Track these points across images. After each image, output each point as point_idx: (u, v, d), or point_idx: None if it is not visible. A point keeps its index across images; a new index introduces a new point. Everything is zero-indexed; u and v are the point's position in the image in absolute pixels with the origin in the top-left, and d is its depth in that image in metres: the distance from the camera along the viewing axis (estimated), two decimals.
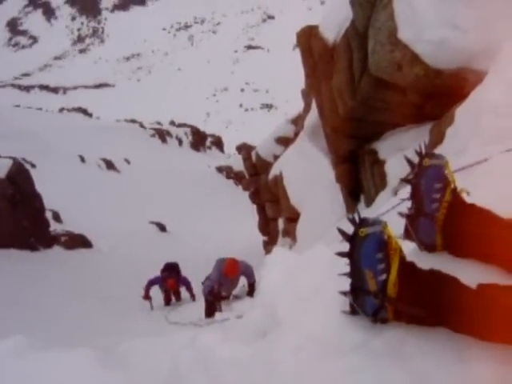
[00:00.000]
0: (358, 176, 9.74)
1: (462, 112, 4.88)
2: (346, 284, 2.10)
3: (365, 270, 1.96)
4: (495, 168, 3.31)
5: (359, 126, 8.85)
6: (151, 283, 11.54)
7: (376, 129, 8.62)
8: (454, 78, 6.29)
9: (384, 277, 1.94)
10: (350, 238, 1.99)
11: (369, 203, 8.88)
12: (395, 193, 6.59)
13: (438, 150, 5.37)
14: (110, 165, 34.70)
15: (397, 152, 7.50)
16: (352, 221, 2.01)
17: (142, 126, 54.69)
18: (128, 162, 37.28)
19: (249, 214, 22.25)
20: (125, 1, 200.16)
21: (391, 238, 1.98)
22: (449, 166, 2.27)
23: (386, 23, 7.03)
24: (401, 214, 2.45)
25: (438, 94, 6.77)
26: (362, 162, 9.32)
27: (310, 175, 12.87)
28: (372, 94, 7.74)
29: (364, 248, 1.95)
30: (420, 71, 6.46)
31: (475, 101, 4.56)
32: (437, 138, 5.76)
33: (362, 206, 9.49)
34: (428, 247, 2.35)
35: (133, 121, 59.37)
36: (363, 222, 1.98)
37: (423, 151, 2.30)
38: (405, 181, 2.42)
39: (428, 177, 2.24)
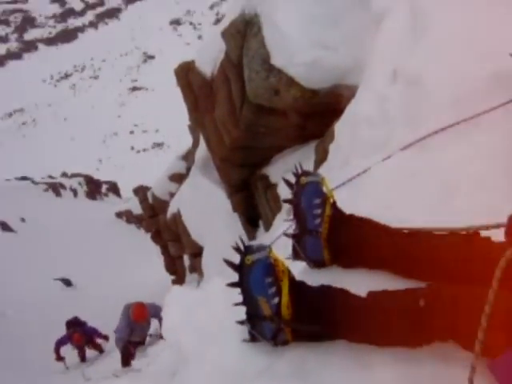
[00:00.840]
0: (253, 202, 9.83)
1: (340, 127, 5.03)
2: (243, 313, 2.08)
3: (257, 296, 1.95)
4: (375, 177, 3.42)
5: (247, 153, 8.96)
6: (59, 343, 11.46)
7: (264, 154, 8.76)
8: (330, 95, 6.52)
9: (277, 300, 1.94)
10: (238, 267, 1.97)
11: (267, 228, 8.96)
12: (289, 214, 6.66)
13: (323, 167, 5.51)
14: (4, 226, 33.09)
15: (287, 174, 7.60)
16: (237, 249, 1.99)
17: (33, 182, 52.85)
18: (23, 220, 35.75)
19: (154, 256, 21.93)
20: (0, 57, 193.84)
21: (278, 260, 1.98)
22: (325, 182, 2.30)
23: (258, 51, 7.19)
24: (286, 235, 2.46)
25: (317, 113, 6.98)
26: (255, 189, 9.43)
27: (207, 208, 12.88)
28: (254, 120, 7.86)
29: (252, 275, 1.94)
30: (297, 93, 6.64)
31: (350, 115, 4.72)
32: (322, 156, 5.91)
33: (261, 231, 9.57)
34: (317, 263, 2.36)
35: (24, 178, 57.18)
36: (248, 250, 1.97)
37: (299, 171, 2.32)
38: (286, 202, 2.41)
39: (307, 194, 2.26)
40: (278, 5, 6.78)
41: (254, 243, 2.10)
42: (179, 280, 17.83)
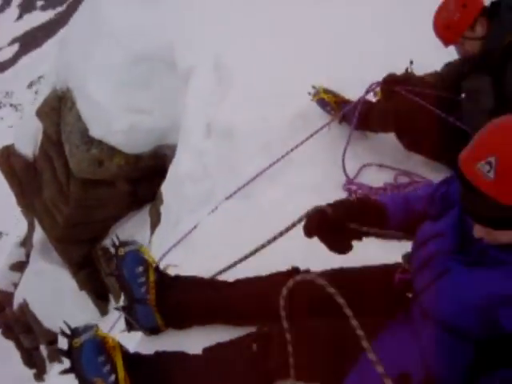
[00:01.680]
0: (100, 277, 9.49)
1: (166, 187, 5.03)
2: None
3: (92, 378, 1.84)
4: (204, 231, 3.44)
5: (83, 229, 8.66)
6: None
7: (100, 226, 8.51)
8: (154, 157, 6.54)
9: (113, 377, 1.86)
10: (67, 352, 1.86)
11: (117, 300, 8.67)
12: None
13: (158, 229, 5.47)
14: None
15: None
16: (63, 334, 1.89)
17: None
18: None
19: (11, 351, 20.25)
20: None
21: (106, 337, 1.90)
22: (143, 249, 2.27)
23: (75, 125, 7.05)
24: (117, 309, 2.38)
25: (146, 177, 6.95)
26: (98, 263, 9.11)
27: (53, 292, 12.18)
28: (83, 195, 7.63)
29: (84, 357, 1.83)
30: (121, 161, 6.58)
31: (173, 174, 4.74)
32: (156, 218, 5.86)
33: (112, 304, 9.25)
34: (153, 330, 2.30)
35: None
36: (75, 333, 1.88)
37: (117, 242, 2.28)
38: (110, 275, 2.34)
39: (128, 264, 2.21)
40: (88, 77, 6.71)
41: (80, 325, 1.97)
42: (40, 373, 16.58)
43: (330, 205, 1.98)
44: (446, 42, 3.25)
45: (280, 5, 5.67)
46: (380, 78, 3.72)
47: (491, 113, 3.02)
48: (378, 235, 2.02)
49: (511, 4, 3.16)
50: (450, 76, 3.56)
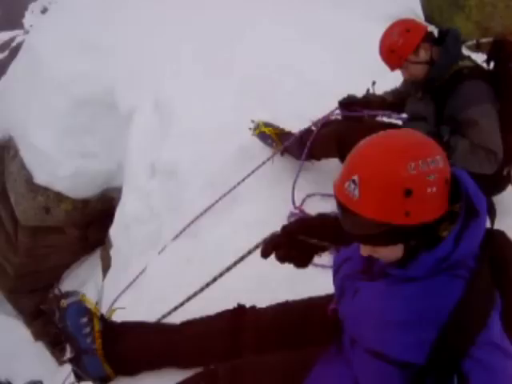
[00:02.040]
0: (56, 325, 9.25)
1: (114, 230, 4.99)
2: None
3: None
4: (152, 273, 3.42)
5: (34, 278, 8.46)
6: None
7: (53, 274, 8.34)
8: (102, 201, 6.51)
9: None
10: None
11: None
12: None
13: (109, 273, 5.39)
14: None
15: (80, 288, 7.33)
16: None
17: None
18: None
19: None
20: None
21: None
22: (86, 298, 2.25)
23: (20, 173, 6.96)
24: (64, 361, 2.34)
25: (95, 220, 6.88)
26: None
27: (8, 345, 11.82)
28: (32, 244, 7.50)
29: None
30: (68, 207, 6.52)
31: (120, 216, 4.72)
32: (107, 262, 5.79)
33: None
34: (102, 380, 2.27)
35: None
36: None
37: (58, 294, 2.25)
38: (55, 328, 2.31)
39: (71, 316, 2.19)
40: (29, 124, 6.64)
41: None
42: None
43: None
44: (391, 65, 3.36)
45: (218, 42, 5.77)
46: (318, 109, 3.82)
47: (429, 135, 3.13)
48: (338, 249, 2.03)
49: (457, 35, 3.31)
50: (401, 94, 3.69)
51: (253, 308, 2.23)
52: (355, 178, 1.42)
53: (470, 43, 3.52)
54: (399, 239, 1.48)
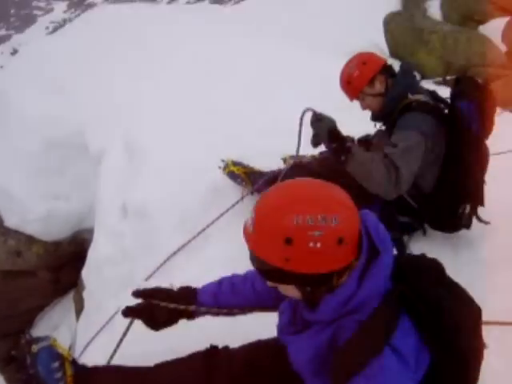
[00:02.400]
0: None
1: (86, 273, 4.94)
2: None
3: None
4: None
5: (7, 323, 8.22)
6: None
7: (25, 318, 8.17)
8: (74, 243, 6.46)
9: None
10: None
11: None
12: None
13: (82, 316, 5.32)
14: None
15: (53, 331, 7.22)
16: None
17: None
18: None
19: None
20: None
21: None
22: (56, 343, 2.23)
23: None
24: None
25: (67, 263, 6.80)
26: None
27: None
28: (4, 288, 7.35)
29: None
30: (39, 250, 6.44)
31: (92, 258, 4.68)
32: (80, 305, 5.71)
33: None
34: None
35: None
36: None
37: (28, 340, 2.23)
38: (27, 374, 2.28)
39: (42, 361, 2.17)
40: None
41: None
42: None
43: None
44: (349, 96, 3.51)
45: (186, 80, 5.85)
46: (288, 147, 3.88)
47: None
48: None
49: (408, 69, 3.43)
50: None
51: (226, 349, 2.24)
52: (254, 216, 1.55)
53: (437, 79, 3.64)
54: (286, 281, 1.58)
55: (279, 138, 3.90)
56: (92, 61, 6.98)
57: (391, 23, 10.08)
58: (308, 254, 1.47)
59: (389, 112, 3.41)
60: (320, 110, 3.25)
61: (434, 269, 1.74)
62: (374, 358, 1.45)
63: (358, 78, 3.38)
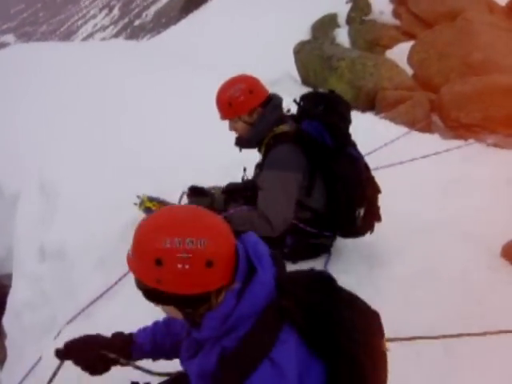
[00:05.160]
0: None
1: (7, 319, 4.75)
2: None
3: None
4: (49, 361, 3.32)
5: None
6: None
7: None
8: None
9: None
10: None
11: None
12: None
13: (5, 366, 5.13)
14: None
15: None
16: None
17: None
18: None
19: None
20: None
21: None
22: None
23: None
24: None
25: None
26: None
27: None
28: None
29: None
30: None
31: (12, 304, 4.52)
32: (2, 354, 5.51)
33: None
34: None
35: None
36: None
37: None
38: None
39: None
40: None
41: None
42: None
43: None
44: (223, 116, 3.53)
45: (97, 118, 5.84)
46: (203, 179, 3.95)
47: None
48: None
49: (276, 103, 3.54)
50: None
51: None
52: (133, 238, 1.64)
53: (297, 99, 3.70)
54: (163, 301, 1.68)
55: (192, 171, 3.97)
56: (7, 99, 6.87)
57: (301, 52, 10.39)
58: (178, 276, 1.56)
59: (253, 143, 3.55)
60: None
61: (319, 280, 1.83)
62: (253, 372, 1.52)
63: (241, 105, 3.41)
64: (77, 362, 2.21)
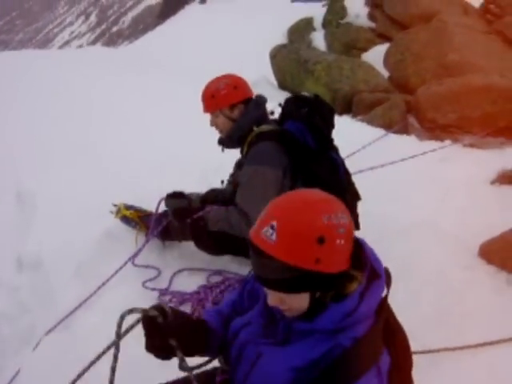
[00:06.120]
0: None
1: None
2: None
3: None
4: (29, 373, 3.29)
5: None
6: None
7: None
8: None
9: None
10: None
11: None
12: None
13: None
14: None
15: None
16: None
17: None
18: None
19: None
20: None
21: None
22: None
23: None
24: None
25: None
26: None
27: None
28: None
29: None
30: None
31: None
32: None
33: None
34: None
35: None
36: None
37: None
38: None
39: None
40: None
41: None
42: None
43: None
44: (206, 108, 3.59)
45: (74, 125, 5.80)
46: (182, 184, 3.94)
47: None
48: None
49: (260, 101, 3.57)
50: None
51: None
52: (274, 223, 1.54)
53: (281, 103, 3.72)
54: (307, 287, 1.59)
55: (172, 177, 3.95)
56: None
57: (277, 56, 10.43)
58: (336, 253, 1.55)
59: (234, 141, 3.57)
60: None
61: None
62: (362, 375, 1.52)
63: (224, 98, 3.48)
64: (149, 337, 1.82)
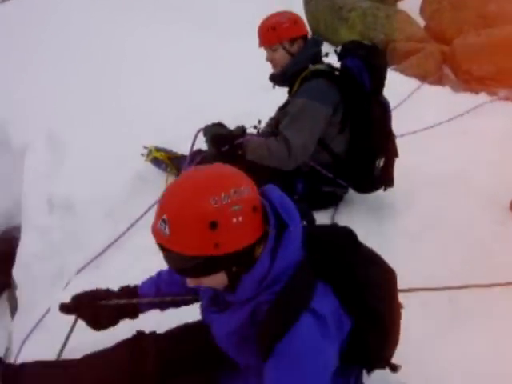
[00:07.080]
0: None
1: (17, 271, 4.78)
2: None
3: None
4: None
5: None
6: None
7: None
8: (3, 241, 6.23)
9: None
10: None
11: None
12: None
13: (17, 316, 5.21)
14: None
15: None
16: None
17: None
18: None
19: None
20: None
21: None
22: None
23: None
24: None
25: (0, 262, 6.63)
26: None
27: None
28: None
29: None
30: None
31: (21, 256, 4.57)
32: (14, 304, 5.59)
33: None
34: None
35: None
36: None
37: None
38: None
39: None
40: None
41: None
42: None
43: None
44: (264, 41, 3.52)
45: (103, 73, 5.80)
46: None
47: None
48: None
49: (318, 40, 3.53)
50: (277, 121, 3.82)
51: (152, 334, 2.27)
52: (165, 217, 1.49)
53: (337, 48, 3.69)
54: (216, 268, 1.57)
55: (200, 123, 3.92)
56: (11, 59, 6.81)
57: (311, 3, 10.16)
58: (235, 231, 1.48)
59: (288, 76, 3.51)
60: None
61: (344, 236, 1.82)
62: (294, 323, 1.50)
63: (286, 30, 3.42)
64: (81, 316, 2.21)
